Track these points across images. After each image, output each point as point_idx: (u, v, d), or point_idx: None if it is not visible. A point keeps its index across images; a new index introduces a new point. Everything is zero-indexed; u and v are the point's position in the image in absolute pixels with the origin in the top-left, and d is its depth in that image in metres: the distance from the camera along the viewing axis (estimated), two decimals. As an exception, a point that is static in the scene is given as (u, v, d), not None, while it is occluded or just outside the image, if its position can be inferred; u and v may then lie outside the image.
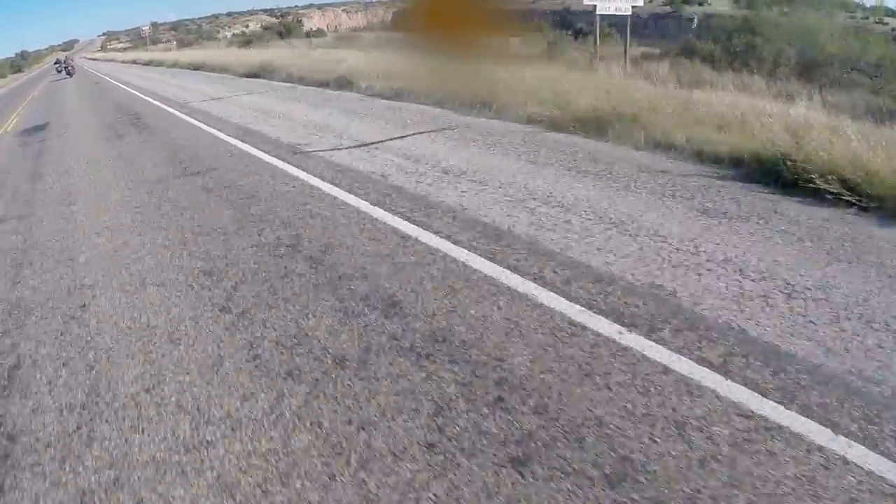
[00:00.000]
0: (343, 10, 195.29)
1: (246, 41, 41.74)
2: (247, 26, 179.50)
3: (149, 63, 37.73)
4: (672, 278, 3.30)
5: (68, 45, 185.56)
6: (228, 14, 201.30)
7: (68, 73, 39.72)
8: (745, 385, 2.40)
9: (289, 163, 6.62)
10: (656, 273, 3.37)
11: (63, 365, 3.12)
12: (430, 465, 2.14)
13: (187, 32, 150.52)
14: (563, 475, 2.04)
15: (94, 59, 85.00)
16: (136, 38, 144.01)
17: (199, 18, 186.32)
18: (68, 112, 17.49)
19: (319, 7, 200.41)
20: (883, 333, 2.70)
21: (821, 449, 2.07)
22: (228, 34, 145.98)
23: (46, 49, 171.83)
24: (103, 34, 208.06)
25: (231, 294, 3.63)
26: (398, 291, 3.40)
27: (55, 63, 48.91)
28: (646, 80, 10.07)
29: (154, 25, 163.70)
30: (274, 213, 4.99)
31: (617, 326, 2.87)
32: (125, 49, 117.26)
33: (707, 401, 2.33)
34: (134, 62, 43.02)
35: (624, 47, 13.92)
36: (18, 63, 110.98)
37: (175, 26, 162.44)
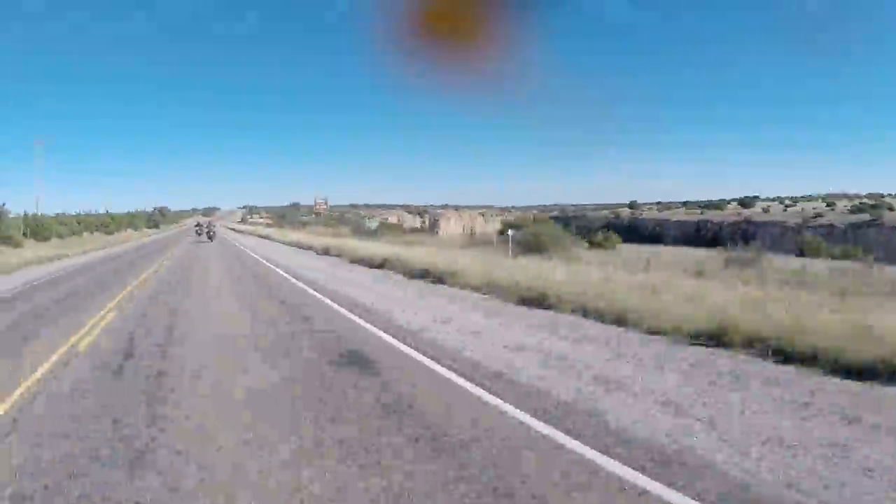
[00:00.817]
0: (479, 214, 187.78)
1: (530, 248, 21.84)
2: (386, 219, 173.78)
3: (327, 252, 18.53)
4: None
5: (209, 211, 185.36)
6: (366, 205, 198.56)
7: (209, 238, 37.66)
8: None
9: None
10: None
11: None
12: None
13: (329, 218, 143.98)
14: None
15: (238, 231, 71.55)
16: (278, 216, 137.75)
17: (337, 206, 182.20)
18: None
19: (456, 208, 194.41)
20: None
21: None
22: (374, 224, 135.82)
23: (188, 210, 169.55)
24: (243, 207, 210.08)
25: None
26: None
27: (196, 225, 47.53)
28: None
29: (294, 205, 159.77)
30: None
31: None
32: (268, 224, 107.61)
33: None
34: (310, 248, 24.58)
35: None
36: (156, 219, 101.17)
37: (315, 210, 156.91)
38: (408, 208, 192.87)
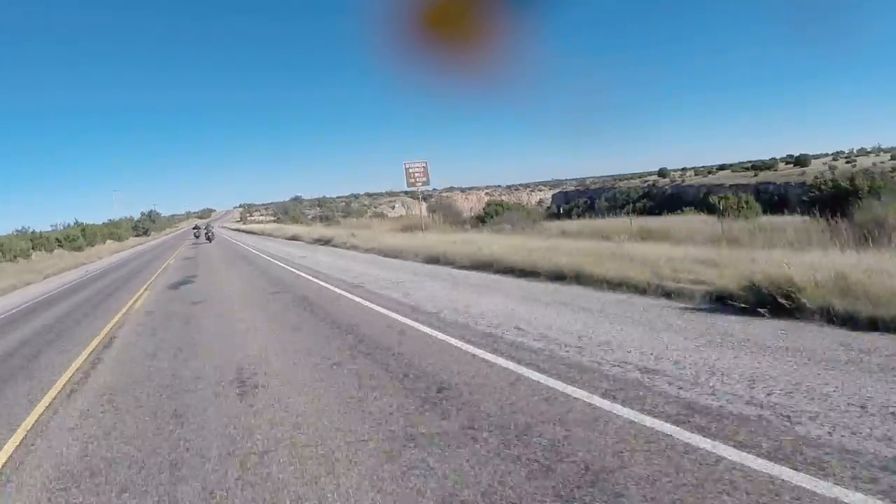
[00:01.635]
0: (486, 193, 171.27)
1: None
2: (393, 206, 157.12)
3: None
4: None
5: (204, 213, 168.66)
6: (368, 194, 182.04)
7: (208, 239, 35.59)
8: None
9: None
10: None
11: None
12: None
13: (335, 210, 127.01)
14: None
15: (245, 231, 54.83)
16: (281, 212, 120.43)
17: (338, 197, 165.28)
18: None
19: (463, 190, 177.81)
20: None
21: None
22: (391, 213, 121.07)
23: (182, 214, 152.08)
24: (239, 206, 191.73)
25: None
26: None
27: (194, 228, 45.10)
28: None
29: (297, 199, 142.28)
30: None
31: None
32: (274, 220, 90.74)
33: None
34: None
35: None
36: (145, 224, 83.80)
37: (320, 202, 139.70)
38: (412, 194, 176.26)
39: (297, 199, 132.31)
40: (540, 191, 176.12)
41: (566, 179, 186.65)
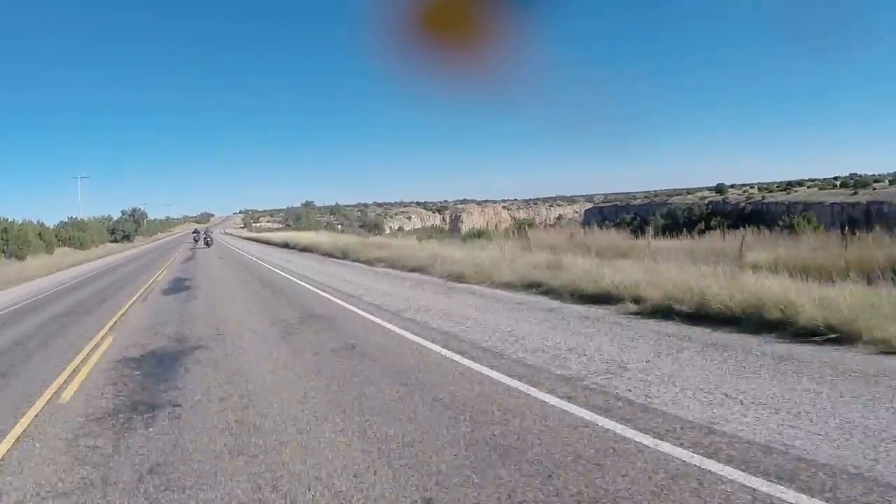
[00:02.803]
0: (503, 207, 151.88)
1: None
2: (409, 217, 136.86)
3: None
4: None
5: (203, 218, 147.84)
6: (377, 204, 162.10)
7: (206, 244, 35.18)
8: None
9: None
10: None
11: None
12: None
13: (350, 218, 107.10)
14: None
15: (283, 245, 33.93)
16: (292, 219, 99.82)
17: (347, 206, 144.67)
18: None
19: (479, 203, 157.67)
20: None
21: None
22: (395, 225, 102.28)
23: (178, 218, 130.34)
24: (239, 212, 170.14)
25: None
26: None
27: (193, 232, 44.99)
28: None
29: (308, 205, 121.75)
30: None
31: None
32: (284, 226, 70.33)
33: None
34: None
35: None
36: (126, 227, 62.20)
37: (333, 210, 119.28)
38: (424, 205, 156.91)
39: (309, 205, 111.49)
40: (559, 205, 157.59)
41: (577, 196, 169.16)
